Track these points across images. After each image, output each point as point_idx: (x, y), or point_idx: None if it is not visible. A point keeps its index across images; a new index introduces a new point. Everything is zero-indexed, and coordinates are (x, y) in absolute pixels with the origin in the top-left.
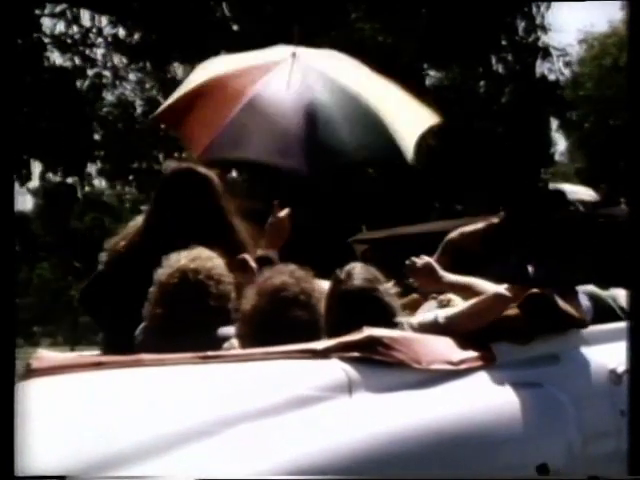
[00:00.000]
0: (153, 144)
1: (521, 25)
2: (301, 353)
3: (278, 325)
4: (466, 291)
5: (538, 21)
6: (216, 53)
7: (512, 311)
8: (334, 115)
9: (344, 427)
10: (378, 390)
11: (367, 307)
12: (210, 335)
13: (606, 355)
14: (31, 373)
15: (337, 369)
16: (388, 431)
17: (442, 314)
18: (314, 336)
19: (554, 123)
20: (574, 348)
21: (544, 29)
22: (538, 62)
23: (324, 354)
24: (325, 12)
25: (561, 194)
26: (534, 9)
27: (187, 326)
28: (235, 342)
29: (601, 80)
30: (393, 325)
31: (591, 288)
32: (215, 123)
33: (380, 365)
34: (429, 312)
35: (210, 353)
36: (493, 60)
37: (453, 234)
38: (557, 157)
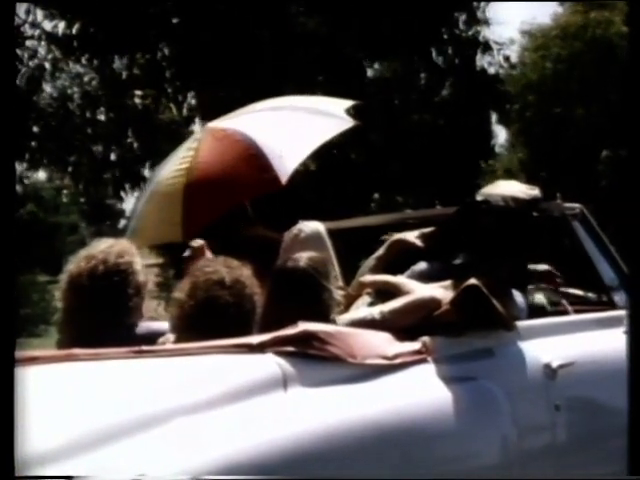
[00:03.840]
0: (91, 137)
1: (461, 18)
2: (236, 347)
3: (205, 310)
4: (395, 290)
5: (479, 15)
6: (156, 46)
7: (445, 306)
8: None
9: (279, 422)
10: (313, 385)
11: (305, 291)
12: (130, 331)
13: (540, 349)
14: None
15: (272, 364)
16: (323, 426)
17: (376, 310)
18: (240, 320)
19: (494, 116)
20: (508, 342)
21: (485, 23)
22: (478, 55)
23: (259, 349)
24: (265, 6)
25: (486, 202)
26: (475, 3)
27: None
28: (170, 336)
29: (543, 70)
30: (326, 316)
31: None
32: (260, 170)
33: (315, 360)
34: (363, 308)
35: (145, 348)
36: (434, 53)
37: (404, 235)
38: (497, 149)
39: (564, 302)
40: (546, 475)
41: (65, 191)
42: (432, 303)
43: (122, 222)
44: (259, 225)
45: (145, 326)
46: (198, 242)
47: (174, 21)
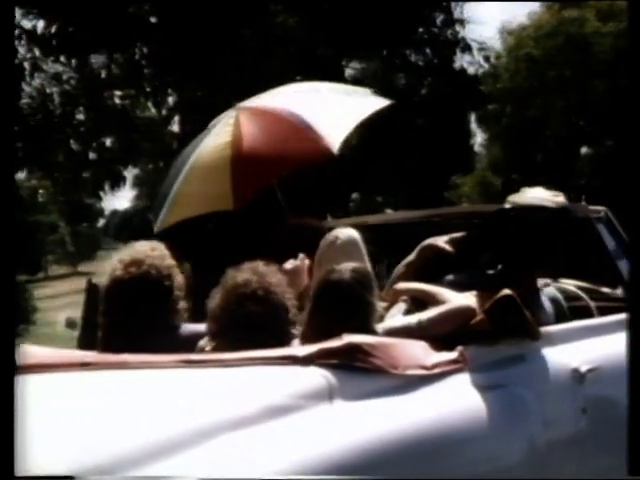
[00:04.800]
0: (70, 136)
1: (440, 18)
2: (283, 359)
3: (235, 320)
4: (430, 299)
5: (457, 14)
6: (135, 45)
7: (480, 315)
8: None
9: (326, 434)
10: (357, 396)
11: (349, 303)
12: (175, 332)
13: (569, 354)
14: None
15: (318, 376)
16: (369, 436)
17: (414, 319)
18: (273, 329)
19: (473, 115)
20: (538, 348)
21: (463, 22)
22: (457, 55)
23: (305, 361)
24: (244, 5)
25: (516, 211)
26: (453, 2)
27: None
28: (207, 342)
29: (517, 72)
30: (368, 329)
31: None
32: (309, 140)
33: (359, 371)
34: (399, 316)
35: (194, 357)
36: (412, 53)
37: (434, 240)
38: (476, 148)
39: (584, 296)
40: (572, 476)
41: (41, 191)
42: (468, 312)
43: (101, 221)
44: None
45: (187, 328)
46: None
47: (153, 20)
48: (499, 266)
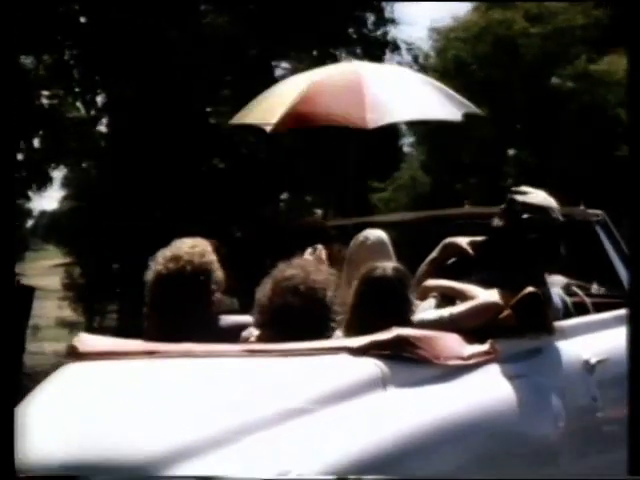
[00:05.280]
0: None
1: (370, 18)
2: (338, 350)
3: (277, 311)
4: (459, 295)
5: (387, 14)
6: (63, 45)
7: (507, 311)
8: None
9: (383, 418)
10: (407, 384)
11: (390, 298)
12: (215, 323)
13: (580, 347)
14: (78, 356)
15: (372, 365)
16: (421, 420)
17: (446, 312)
18: (309, 322)
19: None
20: (553, 342)
21: (393, 22)
22: (387, 55)
23: (359, 352)
24: (174, 5)
25: (531, 214)
26: (383, 2)
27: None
28: (254, 331)
29: (446, 73)
30: (409, 320)
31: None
32: (361, 107)
33: (407, 361)
34: (431, 310)
35: (256, 347)
36: (342, 53)
37: (455, 239)
38: (405, 149)
39: (580, 293)
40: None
41: None
42: (496, 307)
43: (29, 222)
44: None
45: (226, 319)
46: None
47: (82, 21)
48: (516, 265)
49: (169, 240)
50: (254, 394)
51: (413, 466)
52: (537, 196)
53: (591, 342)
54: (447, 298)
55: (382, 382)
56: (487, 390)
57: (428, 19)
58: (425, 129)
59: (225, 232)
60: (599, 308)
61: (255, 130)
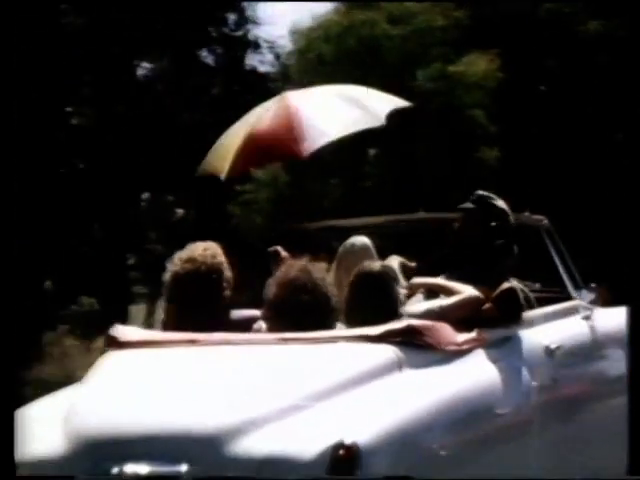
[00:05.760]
0: None
1: (231, 18)
2: (359, 338)
3: (290, 306)
4: (444, 291)
5: (248, 14)
6: None
7: (488, 304)
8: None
9: (402, 395)
10: (417, 366)
11: (381, 291)
12: (227, 317)
13: (541, 335)
14: (120, 345)
15: (389, 351)
16: (433, 396)
17: (436, 305)
18: (318, 315)
19: None
20: (519, 330)
21: (254, 22)
22: (249, 55)
23: (377, 339)
24: (34, 4)
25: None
26: (245, 2)
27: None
28: (262, 324)
29: (306, 72)
30: (396, 311)
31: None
32: (293, 139)
33: (417, 347)
34: (423, 302)
35: (288, 335)
36: (203, 52)
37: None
38: None
39: (525, 288)
40: (556, 420)
41: None
42: (478, 300)
43: None
44: None
45: (236, 313)
46: (281, 251)
47: None
48: (487, 265)
49: (27, 238)
50: (295, 375)
51: (428, 429)
52: (500, 203)
53: (549, 330)
54: (433, 293)
55: (398, 365)
56: (477, 370)
57: (289, 18)
58: None
59: (86, 232)
60: (540, 302)
61: (115, 130)
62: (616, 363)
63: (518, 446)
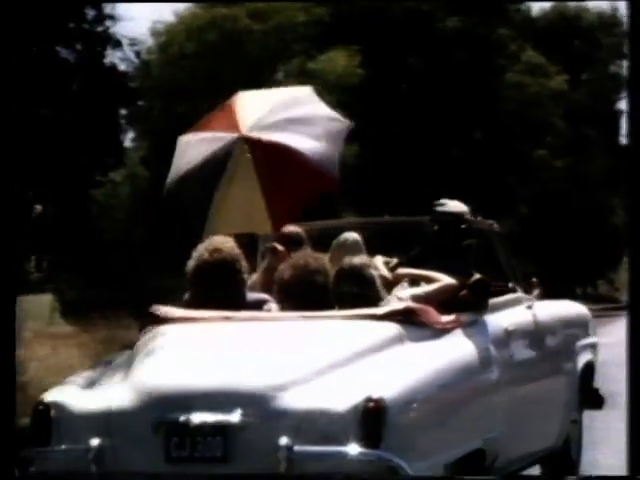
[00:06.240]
0: None
1: (90, 14)
2: (367, 316)
3: (304, 288)
4: (426, 280)
5: (108, 10)
6: None
7: (464, 291)
8: None
9: (405, 363)
10: (414, 340)
11: (358, 279)
12: (243, 299)
13: (500, 319)
14: (161, 321)
15: (393, 327)
16: (429, 364)
17: (420, 291)
18: (326, 296)
19: (124, 111)
20: (483, 315)
21: (114, 18)
22: (109, 51)
23: (382, 318)
24: None
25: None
26: None
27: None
28: (273, 305)
29: (167, 68)
30: (377, 295)
31: None
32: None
33: (414, 324)
34: (409, 289)
35: (308, 314)
36: (62, 49)
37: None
38: (127, 144)
39: None
40: (512, 383)
41: None
42: (454, 287)
43: None
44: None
45: (250, 295)
46: (278, 246)
47: None
48: (456, 260)
49: None
50: (322, 345)
51: (430, 386)
52: (461, 206)
53: (505, 316)
54: (415, 282)
55: (400, 338)
56: (459, 344)
57: (150, 15)
58: (144, 127)
59: None
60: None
61: None
62: (551, 343)
63: (488, 400)
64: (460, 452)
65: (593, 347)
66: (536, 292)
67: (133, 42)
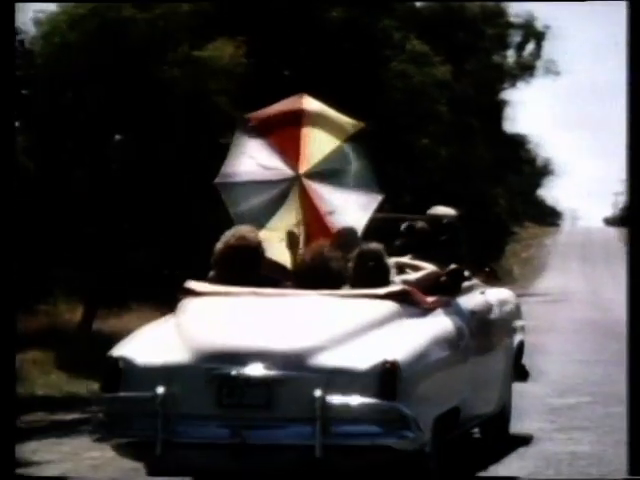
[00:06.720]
0: None
1: None
2: (370, 296)
3: (322, 270)
4: (413, 268)
5: None
6: None
7: (444, 277)
8: None
9: (405, 334)
10: (410, 316)
11: (377, 263)
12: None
13: (467, 301)
14: (196, 294)
15: (393, 306)
16: (424, 334)
17: (411, 277)
18: (339, 279)
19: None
20: (455, 297)
21: None
22: None
23: (383, 297)
24: None
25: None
26: None
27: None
28: (289, 284)
29: (50, 58)
30: (387, 278)
31: None
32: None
33: (409, 303)
34: (402, 275)
35: (325, 292)
36: None
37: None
38: None
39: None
40: (475, 352)
41: None
42: (438, 274)
43: None
44: None
45: (267, 276)
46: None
47: None
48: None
49: None
50: (340, 317)
51: (427, 352)
52: (445, 210)
53: (470, 299)
54: (400, 268)
55: (399, 315)
56: (442, 321)
57: (32, 4)
58: (28, 116)
59: None
60: None
61: None
62: (497, 323)
63: (462, 367)
64: (445, 407)
65: (522, 328)
66: (490, 280)
67: (17, 31)
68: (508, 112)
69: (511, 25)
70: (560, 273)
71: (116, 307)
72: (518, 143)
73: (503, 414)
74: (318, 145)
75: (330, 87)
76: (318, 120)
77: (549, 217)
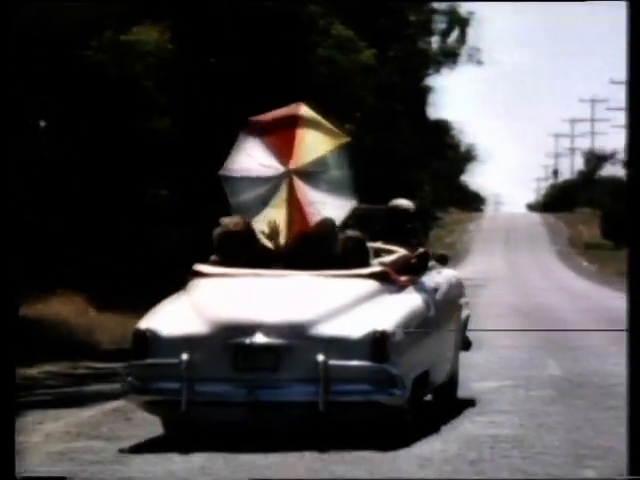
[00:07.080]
0: None
1: None
2: (355, 275)
3: (312, 255)
4: (386, 252)
5: None
6: None
7: (414, 259)
8: None
9: (389, 307)
10: (390, 292)
11: (360, 248)
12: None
13: (430, 279)
14: (203, 275)
15: (376, 283)
16: (406, 307)
17: (387, 259)
18: (325, 262)
19: None
20: (422, 276)
21: None
22: None
23: (366, 277)
24: None
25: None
26: None
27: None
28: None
29: None
30: (368, 261)
31: None
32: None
33: (388, 281)
34: (380, 258)
35: (317, 272)
36: None
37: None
38: None
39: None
40: (436, 323)
41: None
42: (409, 257)
43: None
44: None
45: (261, 257)
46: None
47: None
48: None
49: None
50: (334, 293)
51: (408, 322)
52: (407, 203)
53: (432, 277)
54: (376, 252)
55: (380, 291)
56: (414, 296)
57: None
58: None
59: None
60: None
61: None
62: (451, 299)
63: (430, 335)
64: (420, 370)
65: (467, 304)
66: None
67: None
68: (432, 98)
69: (435, 11)
70: (483, 258)
71: (40, 292)
72: (442, 129)
73: (452, 381)
74: (309, 147)
75: (256, 73)
76: (312, 125)
77: (473, 202)
